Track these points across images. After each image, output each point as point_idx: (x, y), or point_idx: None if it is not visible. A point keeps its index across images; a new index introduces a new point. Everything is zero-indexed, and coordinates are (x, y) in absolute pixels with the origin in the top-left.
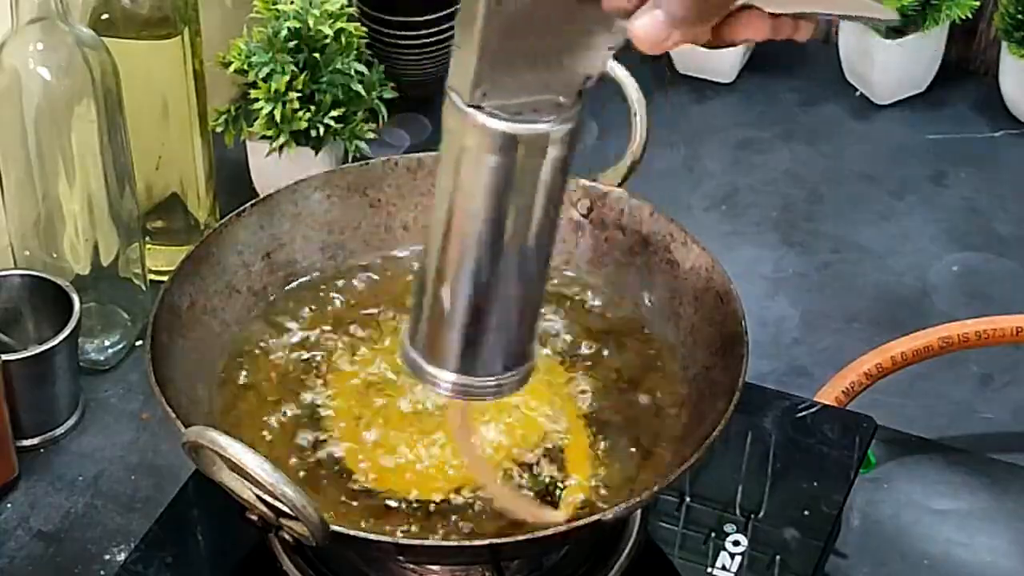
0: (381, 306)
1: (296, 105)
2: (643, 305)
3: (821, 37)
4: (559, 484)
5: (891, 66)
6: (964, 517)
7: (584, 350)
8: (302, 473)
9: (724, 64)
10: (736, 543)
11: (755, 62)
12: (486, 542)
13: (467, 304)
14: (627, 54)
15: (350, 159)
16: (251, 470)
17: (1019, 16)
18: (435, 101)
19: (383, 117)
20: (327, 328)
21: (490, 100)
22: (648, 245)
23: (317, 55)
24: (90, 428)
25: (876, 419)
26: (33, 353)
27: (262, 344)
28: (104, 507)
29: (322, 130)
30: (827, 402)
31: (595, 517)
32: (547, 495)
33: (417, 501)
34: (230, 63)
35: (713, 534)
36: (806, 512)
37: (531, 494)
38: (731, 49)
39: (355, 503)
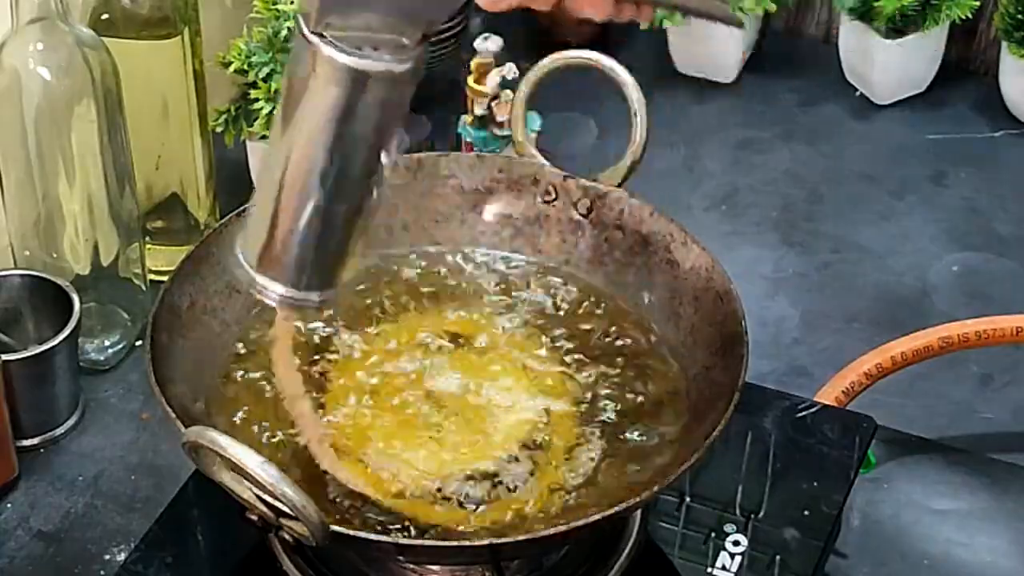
0: (381, 306)
1: None
2: (643, 305)
3: (821, 37)
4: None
5: (891, 66)
6: (964, 517)
7: (582, 349)
8: (301, 473)
9: (724, 64)
10: (736, 543)
11: (755, 62)
12: (486, 542)
13: (297, 221)
14: (627, 54)
15: None
16: (251, 470)
17: (1019, 16)
18: (435, 101)
19: None
20: (327, 328)
21: (333, 30)
22: (648, 245)
23: None
24: (90, 428)
25: (876, 419)
26: (33, 353)
27: (262, 344)
28: (104, 507)
29: None
30: (827, 402)
31: (595, 517)
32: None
33: (416, 497)
34: (230, 63)
35: (713, 534)
36: (806, 512)
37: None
38: (731, 49)
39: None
